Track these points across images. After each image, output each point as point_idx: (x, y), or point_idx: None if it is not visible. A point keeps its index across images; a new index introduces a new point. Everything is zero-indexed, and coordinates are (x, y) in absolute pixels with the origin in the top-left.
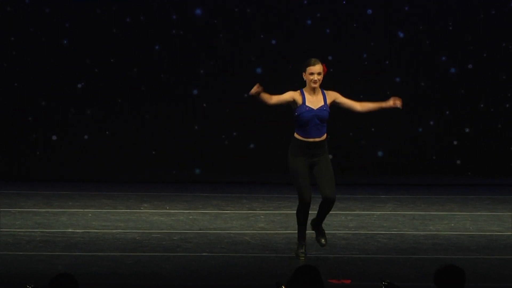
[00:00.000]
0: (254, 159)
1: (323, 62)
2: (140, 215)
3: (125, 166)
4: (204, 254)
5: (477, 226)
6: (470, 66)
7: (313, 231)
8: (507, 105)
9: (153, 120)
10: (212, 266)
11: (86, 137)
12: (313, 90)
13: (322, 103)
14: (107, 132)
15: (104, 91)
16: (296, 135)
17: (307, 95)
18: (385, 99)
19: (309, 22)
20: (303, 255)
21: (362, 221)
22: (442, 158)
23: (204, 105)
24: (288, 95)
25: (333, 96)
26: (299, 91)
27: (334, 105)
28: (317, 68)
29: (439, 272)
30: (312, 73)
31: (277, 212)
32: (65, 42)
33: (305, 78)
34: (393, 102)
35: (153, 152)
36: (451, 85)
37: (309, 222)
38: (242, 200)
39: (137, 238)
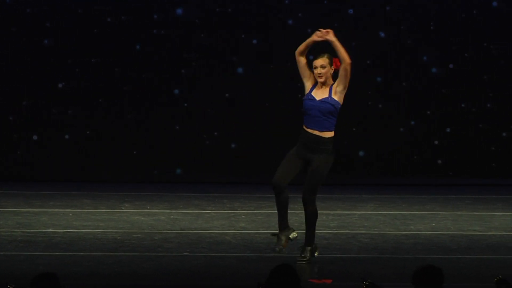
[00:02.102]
0: (235, 159)
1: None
2: (121, 215)
3: (106, 166)
4: (185, 254)
5: (458, 226)
6: (451, 66)
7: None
8: (489, 105)
9: (134, 120)
10: (193, 266)
11: (67, 137)
12: (323, 83)
13: (327, 95)
14: (88, 132)
15: (85, 91)
16: (303, 125)
17: (317, 86)
18: (366, 100)
19: (290, 22)
20: (278, 247)
21: (343, 221)
22: (423, 158)
23: (185, 105)
24: (306, 72)
25: (335, 83)
26: (314, 80)
27: (341, 88)
28: (319, 61)
29: (417, 273)
30: (315, 67)
31: (258, 212)
32: (46, 42)
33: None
34: (319, 33)
35: (134, 152)
36: (433, 85)
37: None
38: (223, 200)
39: (118, 238)
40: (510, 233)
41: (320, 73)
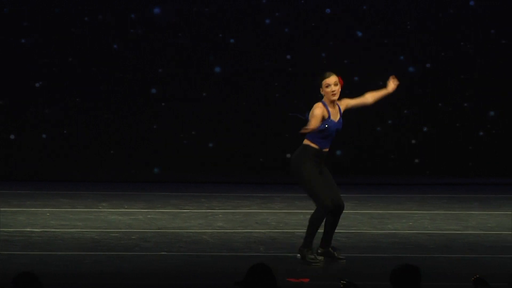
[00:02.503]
0: (213, 158)
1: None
2: (99, 214)
3: (84, 165)
4: (162, 253)
5: (436, 225)
6: (428, 65)
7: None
8: (466, 104)
9: (111, 119)
10: (170, 265)
11: (44, 136)
12: (332, 102)
13: (339, 116)
14: (65, 131)
15: (62, 90)
16: (311, 144)
17: (330, 108)
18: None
19: (267, 21)
20: (317, 261)
21: None
22: (400, 157)
23: (163, 104)
24: (321, 115)
25: (344, 104)
26: (322, 105)
27: (348, 110)
28: (332, 79)
29: (395, 272)
30: (328, 85)
31: (236, 211)
32: (23, 41)
33: (323, 93)
34: (393, 83)
35: (112, 152)
36: (409, 84)
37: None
38: (201, 199)
39: (96, 237)
40: (486, 232)
41: (334, 91)
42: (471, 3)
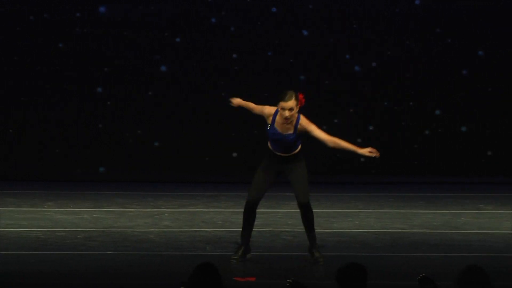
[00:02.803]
0: (159, 157)
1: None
2: (44, 214)
3: (29, 165)
4: (108, 252)
5: (382, 224)
6: (374, 64)
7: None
8: (411, 103)
9: (57, 118)
10: (116, 265)
11: None
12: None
13: (291, 132)
14: (10, 130)
15: (7, 90)
16: (268, 143)
17: (278, 120)
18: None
19: (213, 20)
20: (234, 258)
21: (267, 219)
22: (346, 156)
23: (109, 103)
24: (261, 110)
25: (304, 128)
26: (274, 109)
27: (305, 134)
28: (289, 104)
29: (340, 270)
30: (283, 109)
31: (182, 210)
32: None
33: (278, 108)
34: (369, 151)
35: (57, 151)
36: (355, 83)
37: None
38: (147, 198)
39: (41, 236)
40: (432, 230)
41: (287, 117)
42: (417, 2)
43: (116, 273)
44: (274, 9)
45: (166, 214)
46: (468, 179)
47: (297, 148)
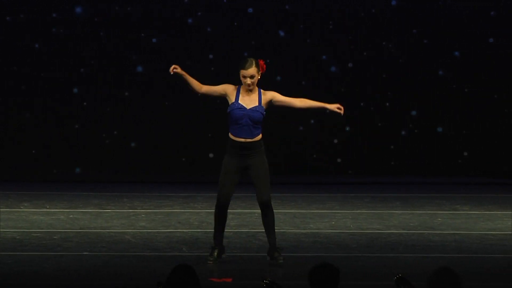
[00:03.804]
0: (135, 158)
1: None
2: (20, 214)
3: (5, 165)
4: (84, 253)
5: (358, 224)
6: (350, 65)
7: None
8: (387, 104)
9: (33, 118)
10: (92, 265)
11: None
12: (249, 90)
13: (256, 104)
14: None
15: None
16: (229, 134)
17: (242, 93)
18: None
19: (190, 20)
20: (211, 259)
21: (243, 220)
22: (323, 157)
23: (85, 103)
24: (221, 88)
25: (269, 96)
26: (236, 86)
27: (272, 105)
28: (250, 71)
29: (312, 271)
30: (244, 77)
31: (158, 211)
32: None
33: (240, 77)
34: (337, 107)
35: (33, 151)
36: (332, 83)
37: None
38: (123, 199)
39: (17, 237)
40: (408, 231)
41: (249, 83)
42: (393, 3)
43: (92, 274)
44: (250, 10)
45: (142, 215)
46: (444, 179)
47: (258, 134)
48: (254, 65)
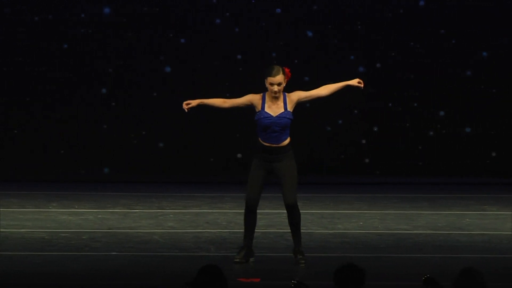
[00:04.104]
0: (163, 158)
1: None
2: (49, 214)
3: (33, 165)
4: (112, 253)
5: (385, 225)
6: (378, 65)
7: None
8: (415, 104)
9: (61, 119)
10: (120, 266)
11: None
12: (275, 97)
13: (282, 110)
14: (15, 131)
15: (13, 90)
16: (258, 138)
17: (267, 101)
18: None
19: (218, 21)
20: (237, 258)
21: (271, 220)
22: (351, 157)
23: (113, 104)
24: (245, 99)
25: (294, 97)
26: (260, 95)
27: (300, 103)
28: (277, 79)
29: (337, 272)
30: (272, 84)
31: (186, 211)
32: None
33: (266, 85)
34: (358, 81)
35: (62, 151)
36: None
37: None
38: (151, 199)
39: (46, 237)
40: (436, 231)
41: (276, 91)
42: (421, 3)
43: (120, 274)
44: (278, 10)
45: (170, 215)
46: (472, 180)
47: (286, 138)
48: (281, 72)
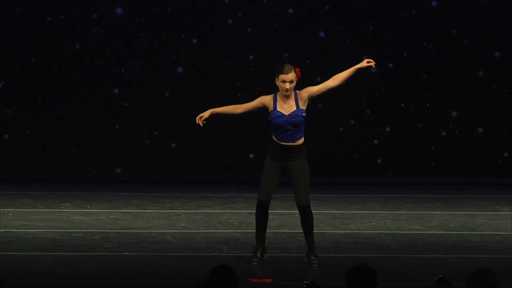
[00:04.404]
0: (175, 158)
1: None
2: (61, 215)
3: (46, 165)
4: (125, 253)
5: (398, 225)
6: (390, 65)
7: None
8: (428, 104)
9: (74, 119)
10: (133, 266)
11: (6, 136)
12: (286, 95)
13: (294, 108)
14: (27, 132)
15: (24, 90)
16: (272, 136)
17: (279, 100)
18: None
19: (230, 21)
20: (255, 259)
21: (283, 220)
22: (363, 157)
23: (125, 104)
24: (257, 102)
25: (305, 94)
26: (272, 95)
27: (312, 98)
28: (290, 76)
29: (349, 272)
30: (284, 81)
31: (198, 211)
32: None
33: (277, 84)
34: (367, 61)
35: (74, 152)
36: (372, 84)
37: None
38: (163, 199)
39: (58, 237)
40: (448, 232)
41: (288, 88)
42: (434, 3)
43: (132, 274)
44: (291, 11)
45: (183, 215)
46: (484, 180)
47: (301, 137)
48: (293, 70)
